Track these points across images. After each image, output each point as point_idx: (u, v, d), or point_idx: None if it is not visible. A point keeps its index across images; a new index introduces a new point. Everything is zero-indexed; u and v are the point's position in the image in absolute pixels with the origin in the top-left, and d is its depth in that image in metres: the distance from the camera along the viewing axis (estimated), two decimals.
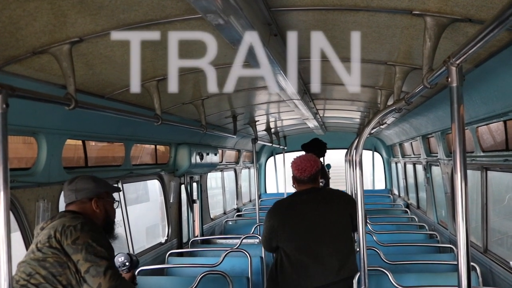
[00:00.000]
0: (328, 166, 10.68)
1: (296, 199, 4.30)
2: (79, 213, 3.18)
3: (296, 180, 4.31)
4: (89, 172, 4.79)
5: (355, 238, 5.05)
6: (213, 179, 11.05)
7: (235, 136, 8.20)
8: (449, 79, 2.02)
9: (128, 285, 3.05)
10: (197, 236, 8.45)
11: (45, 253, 2.92)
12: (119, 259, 3.65)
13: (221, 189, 11.29)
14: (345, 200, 4.33)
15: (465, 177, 2.02)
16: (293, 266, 4.10)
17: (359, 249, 3.87)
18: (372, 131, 7.04)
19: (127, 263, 3.66)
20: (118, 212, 3.85)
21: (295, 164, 4.29)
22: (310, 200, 4.21)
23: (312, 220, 4.13)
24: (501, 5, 1.60)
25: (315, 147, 6.94)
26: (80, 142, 4.88)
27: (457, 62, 1.97)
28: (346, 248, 4.14)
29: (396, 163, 12.91)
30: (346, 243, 4.16)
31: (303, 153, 7.44)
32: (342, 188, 11.93)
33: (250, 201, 13.55)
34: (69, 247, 2.92)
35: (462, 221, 2.03)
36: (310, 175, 4.22)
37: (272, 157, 14.92)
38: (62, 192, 3.33)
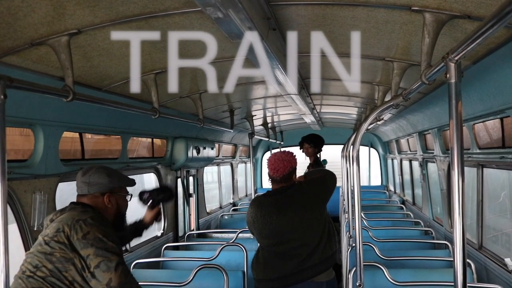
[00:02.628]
0: (325, 161, 10.74)
1: (266, 199, 4.39)
2: (90, 206, 3.17)
3: (271, 178, 4.41)
4: (86, 164, 4.79)
5: (345, 229, 5.07)
6: (209, 173, 11.05)
7: (232, 131, 8.20)
8: (448, 75, 2.02)
9: (135, 281, 3.04)
10: (193, 230, 8.46)
11: (52, 248, 2.89)
12: (144, 195, 3.83)
13: (218, 183, 11.29)
14: (311, 189, 4.36)
15: (462, 173, 2.02)
16: (265, 257, 4.31)
17: (355, 244, 3.89)
18: (369, 127, 7.06)
19: (150, 200, 3.83)
20: None
21: (270, 162, 4.37)
22: (279, 199, 4.29)
23: (278, 221, 4.22)
24: (500, 2, 1.60)
25: (314, 140, 7.05)
26: (77, 135, 4.87)
27: (456, 58, 1.97)
28: (316, 238, 4.23)
29: (392, 159, 12.94)
30: (316, 233, 4.24)
31: (297, 148, 7.49)
32: (338, 183, 11.98)
33: (246, 195, 13.56)
34: (79, 241, 2.88)
35: (459, 217, 2.03)
36: (283, 175, 4.29)
37: (269, 152, 14.94)
38: (76, 182, 3.31)
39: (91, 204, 3.19)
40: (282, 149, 4.79)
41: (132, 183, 3.51)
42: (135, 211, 4.42)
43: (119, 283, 2.87)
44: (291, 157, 4.38)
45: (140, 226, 3.89)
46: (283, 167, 4.29)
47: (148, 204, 3.87)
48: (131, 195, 3.57)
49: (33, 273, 2.87)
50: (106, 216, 3.21)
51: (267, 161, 4.44)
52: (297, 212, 4.23)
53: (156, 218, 3.93)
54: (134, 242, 6.33)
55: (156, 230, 7.51)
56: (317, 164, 7.45)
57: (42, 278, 2.85)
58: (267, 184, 14.75)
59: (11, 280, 2.85)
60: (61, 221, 3.00)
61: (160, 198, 3.90)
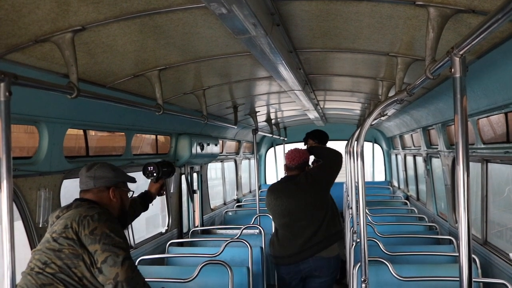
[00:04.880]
0: None
1: (279, 185, 5.33)
2: (95, 202, 3.19)
3: (286, 167, 5.34)
4: (90, 161, 4.79)
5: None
6: (213, 169, 11.06)
7: (235, 127, 8.20)
8: (453, 70, 2.01)
9: (141, 277, 3.06)
10: (197, 226, 8.47)
11: (61, 244, 2.92)
12: (149, 168, 4.15)
13: (221, 179, 11.30)
14: (314, 177, 5.16)
15: (467, 168, 2.01)
16: (279, 238, 5.18)
17: (360, 240, 3.89)
18: (373, 123, 7.06)
19: (154, 173, 4.15)
20: None
21: (287, 154, 5.35)
22: (288, 186, 5.17)
23: (288, 204, 5.06)
24: None
25: (318, 135, 7.06)
26: (81, 132, 4.88)
27: (461, 52, 1.97)
28: (320, 219, 5.04)
29: (396, 155, 12.92)
30: (319, 215, 5.05)
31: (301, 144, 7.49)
32: (342, 179, 11.98)
33: (250, 192, 13.57)
34: (87, 237, 2.91)
35: (464, 212, 2.03)
36: (298, 163, 5.24)
37: (272, 148, 14.93)
38: (79, 179, 3.32)
39: (95, 199, 3.22)
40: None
41: (133, 180, 3.56)
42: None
43: (125, 278, 2.89)
44: (305, 152, 5.38)
45: (146, 198, 4.17)
46: (298, 156, 5.25)
47: (152, 177, 4.19)
48: (133, 192, 3.61)
49: (42, 270, 2.89)
50: (112, 211, 3.23)
51: (285, 154, 5.43)
52: (303, 196, 5.05)
53: (160, 190, 4.26)
54: (138, 238, 6.35)
55: (160, 226, 7.53)
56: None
57: (51, 275, 2.87)
58: (271, 180, 14.80)
59: (17, 276, 2.86)
60: (68, 217, 3.01)
61: (164, 171, 4.20)
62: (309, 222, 5.00)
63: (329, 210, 5.10)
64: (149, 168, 4.13)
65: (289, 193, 5.10)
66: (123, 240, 3.00)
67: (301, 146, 6.93)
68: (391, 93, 5.05)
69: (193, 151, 7.44)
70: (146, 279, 3.23)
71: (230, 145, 11.44)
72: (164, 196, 7.34)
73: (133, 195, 3.92)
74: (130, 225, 5.94)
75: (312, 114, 9.13)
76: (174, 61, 4.07)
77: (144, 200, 4.13)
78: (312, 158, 5.72)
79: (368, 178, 14.56)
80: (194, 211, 8.50)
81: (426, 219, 7.73)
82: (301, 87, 5.24)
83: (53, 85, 2.86)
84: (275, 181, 5.52)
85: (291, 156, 5.25)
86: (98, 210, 3.07)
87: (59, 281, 2.85)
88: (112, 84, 4.15)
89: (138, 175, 4.30)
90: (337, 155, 5.42)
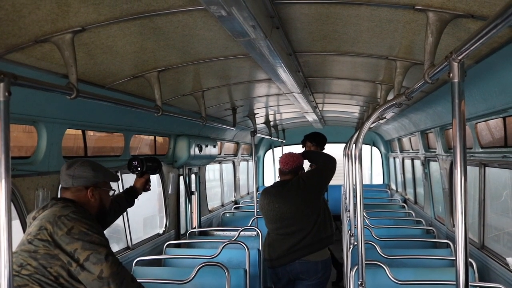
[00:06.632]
0: None
1: (271, 190, 5.29)
2: (71, 200, 3.15)
3: (279, 171, 5.32)
4: None
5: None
6: (211, 171, 11.06)
7: (234, 129, 8.20)
8: (451, 75, 2.02)
9: (127, 272, 3.05)
10: (194, 228, 8.47)
11: (36, 246, 2.88)
12: (133, 162, 4.11)
13: (219, 181, 11.30)
14: (306, 182, 5.12)
15: (465, 172, 2.02)
16: (270, 240, 5.22)
17: (357, 243, 3.90)
18: (371, 126, 7.05)
19: (139, 168, 4.10)
20: None
21: (281, 158, 5.33)
22: (281, 190, 5.15)
23: (280, 209, 5.07)
24: (504, 1, 1.60)
25: (316, 138, 7.07)
26: (80, 132, 4.88)
27: (459, 57, 1.97)
28: (311, 223, 5.02)
29: (394, 158, 12.93)
30: (310, 219, 5.04)
31: (299, 146, 7.50)
32: (339, 182, 11.96)
33: (248, 193, 13.57)
34: (64, 237, 2.87)
35: (461, 216, 2.03)
36: (291, 168, 5.21)
37: (271, 150, 14.94)
38: (60, 176, 3.31)
39: (73, 198, 3.18)
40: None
41: (116, 178, 3.54)
42: (138, 207, 4.44)
43: (110, 273, 2.87)
44: (299, 157, 5.31)
45: (132, 193, 4.08)
46: (291, 161, 5.20)
47: (137, 171, 4.12)
48: (114, 191, 3.57)
49: (18, 272, 2.84)
50: (89, 211, 3.20)
51: (279, 158, 5.36)
52: (294, 201, 5.04)
53: (145, 186, 4.16)
54: (135, 239, 6.34)
55: (158, 227, 7.53)
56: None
57: (27, 276, 2.83)
58: (269, 182, 14.81)
59: None
60: (42, 218, 2.97)
61: (148, 165, 4.13)
62: (300, 226, 5.00)
63: (320, 214, 5.10)
64: (134, 162, 4.10)
65: (281, 198, 5.08)
66: (102, 237, 2.97)
67: (300, 148, 6.96)
68: (390, 97, 5.05)
69: (192, 152, 7.44)
70: (143, 281, 3.22)
71: (229, 146, 11.44)
72: (162, 196, 7.35)
73: (120, 192, 3.90)
74: (127, 226, 5.94)
75: (311, 117, 9.14)
76: (173, 62, 4.07)
77: (130, 196, 4.07)
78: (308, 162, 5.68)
79: (366, 181, 14.56)
80: (191, 213, 8.49)
81: (424, 223, 7.74)
82: (300, 90, 5.25)
83: (52, 86, 2.86)
84: (272, 183, 5.45)
85: (284, 160, 5.23)
86: (72, 209, 3.02)
87: (34, 281, 2.82)
88: (111, 85, 4.16)
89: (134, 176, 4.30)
90: (330, 161, 5.38)
